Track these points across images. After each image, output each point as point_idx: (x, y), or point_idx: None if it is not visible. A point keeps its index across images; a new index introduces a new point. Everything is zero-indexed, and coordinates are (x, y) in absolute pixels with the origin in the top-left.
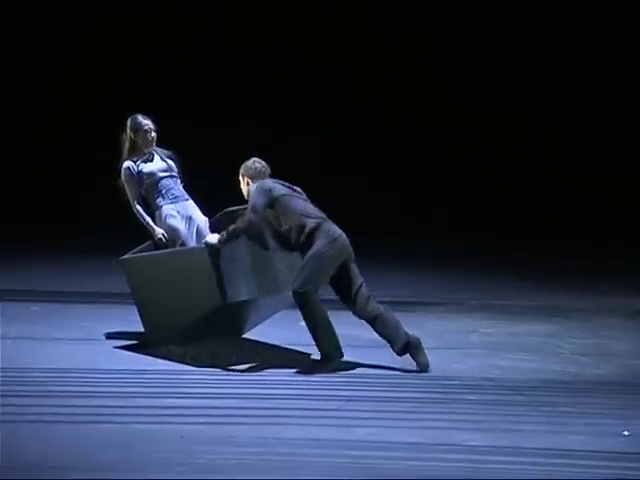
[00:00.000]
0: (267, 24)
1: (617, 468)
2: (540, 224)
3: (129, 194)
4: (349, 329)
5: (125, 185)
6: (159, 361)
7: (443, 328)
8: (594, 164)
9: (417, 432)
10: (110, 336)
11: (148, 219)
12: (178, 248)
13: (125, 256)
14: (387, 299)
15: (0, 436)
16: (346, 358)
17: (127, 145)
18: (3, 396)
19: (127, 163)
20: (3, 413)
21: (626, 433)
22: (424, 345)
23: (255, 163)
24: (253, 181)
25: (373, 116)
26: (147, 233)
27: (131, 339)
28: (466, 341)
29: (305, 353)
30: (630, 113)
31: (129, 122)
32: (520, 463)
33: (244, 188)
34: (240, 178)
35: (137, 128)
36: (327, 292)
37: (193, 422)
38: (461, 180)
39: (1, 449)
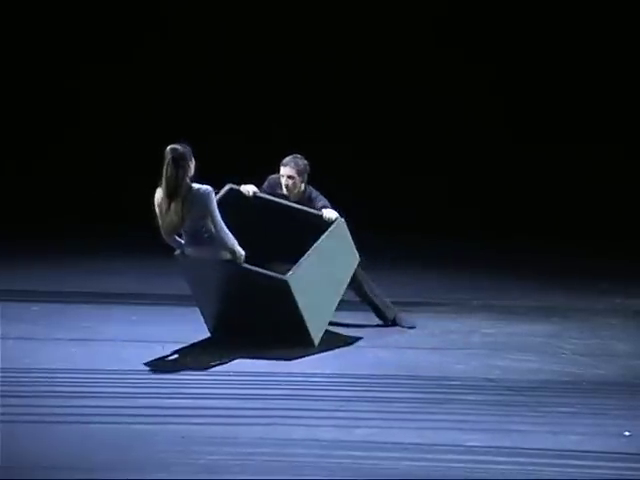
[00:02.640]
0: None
1: (618, 468)
2: (540, 224)
3: (218, 218)
4: (350, 329)
5: (215, 210)
6: (160, 361)
7: (444, 328)
8: (596, 164)
9: (417, 432)
10: (110, 336)
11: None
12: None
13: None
14: (387, 299)
15: (0, 436)
16: (346, 358)
17: (192, 172)
18: (3, 396)
19: (210, 188)
20: (3, 413)
21: (627, 434)
22: (426, 345)
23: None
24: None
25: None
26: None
27: (131, 339)
28: (467, 341)
29: (306, 353)
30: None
31: (190, 150)
32: (520, 463)
33: (296, 186)
34: (297, 175)
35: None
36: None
37: (194, 422)
38: (460, 180)
39: (1, 449)
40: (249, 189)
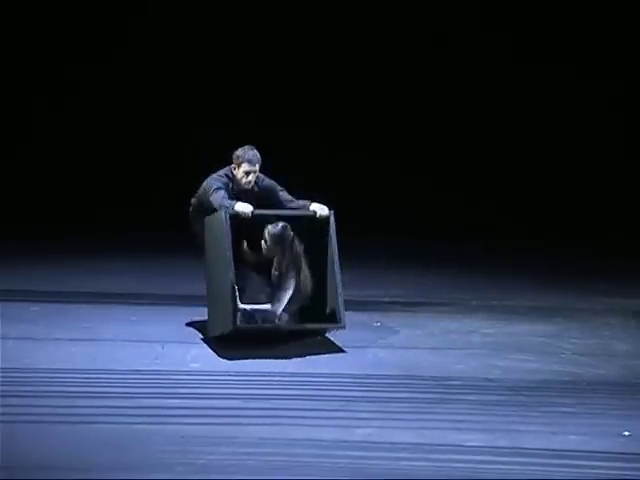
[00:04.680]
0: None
1: (617, 468)
2: (540, 224)
3: None
4: (351, 329)
5: None
6: (159, 361)
7: (444, 328)
8: (595, 164)
9: (417, 432)
10: (110, 336)
11: None
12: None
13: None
14: (387, 299)
15: (0, 436)
16: (346, 358)
17: None
18: (3, 396)
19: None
20: (3, 413)
21: (627, 433)
22: (425, 345)
23: None
24: None
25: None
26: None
27: (131, 339)
28: (467, 341)
29: (306, 353)
30: None
31: None
32: (520, 463)
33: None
34: (257, 168)
35: None
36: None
37: (193, 422)
38: (460, 180)
39: (1, 449)
40: (246, 210)
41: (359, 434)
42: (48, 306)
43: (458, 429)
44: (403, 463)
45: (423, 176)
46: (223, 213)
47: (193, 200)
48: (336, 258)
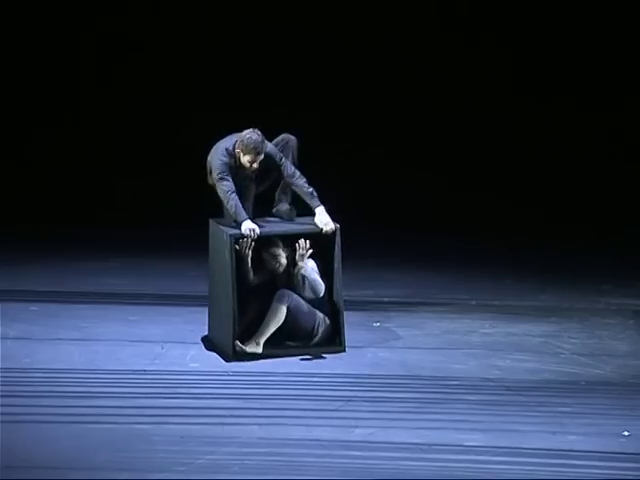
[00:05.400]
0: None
1: (617, 468)
2: (539, 223)
3: None
4: (350, 329)
5: None
6: (159, 361)
7: (443, 328)
8: (596, 164)
9: (417, 432)
10: (109, 336)
11: None
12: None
13: None
14: (387, 299)
15: (0, 436)
16: (346, 358)
17: None
18: (3, 396)
19: None
20: (3, 413)
21: (626, 433)
22: (425, 345)
23: None
24: None
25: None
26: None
27: (130, 339)
28: (466, 341)
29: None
30: None
31: None
32: (520, 463)
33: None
34: (262, 157)
35: None
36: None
37: (193, 422)
38: (460, 180)
39: (1, 449)
40: (250, 233)
41: (358, 434)
42: (47, 306)
43: (457, 429)
44: (403, 463)
45: (424, 175)
46: (229, 241)
47: (210, 181)
48: (340, 275)
